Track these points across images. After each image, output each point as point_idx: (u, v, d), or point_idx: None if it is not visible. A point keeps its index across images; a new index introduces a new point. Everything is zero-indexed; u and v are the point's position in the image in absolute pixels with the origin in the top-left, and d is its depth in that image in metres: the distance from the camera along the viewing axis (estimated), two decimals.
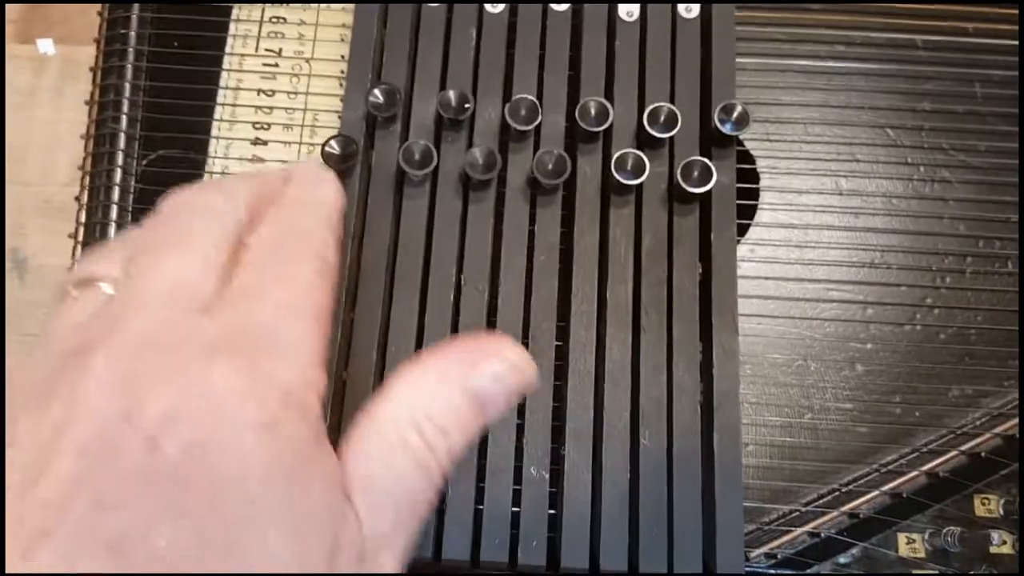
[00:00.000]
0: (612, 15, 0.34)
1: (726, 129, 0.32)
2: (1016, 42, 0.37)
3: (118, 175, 0.37)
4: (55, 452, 0.18)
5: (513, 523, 0.28)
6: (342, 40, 0.38)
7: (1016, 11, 0.37)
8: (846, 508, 0.32)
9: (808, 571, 0.32)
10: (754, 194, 0.36)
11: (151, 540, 0.18)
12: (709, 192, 0.31)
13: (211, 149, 0.37)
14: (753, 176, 0.36)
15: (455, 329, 0.30)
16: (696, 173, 0.31)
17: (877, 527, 0.32)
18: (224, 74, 0.38)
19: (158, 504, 0.18)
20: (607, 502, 0.28)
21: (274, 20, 0.38)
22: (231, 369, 0.20)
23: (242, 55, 0.38)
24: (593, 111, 0.32)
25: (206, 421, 0.19)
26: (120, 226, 0.36)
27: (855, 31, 0.38)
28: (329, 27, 0.38)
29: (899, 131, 0.37)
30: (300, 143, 0.36)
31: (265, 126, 0.37)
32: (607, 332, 0.30)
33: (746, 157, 0.36)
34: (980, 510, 0.32)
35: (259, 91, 0.37)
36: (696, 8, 0.34)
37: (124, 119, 0.37)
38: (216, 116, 0.37)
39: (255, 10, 0.38)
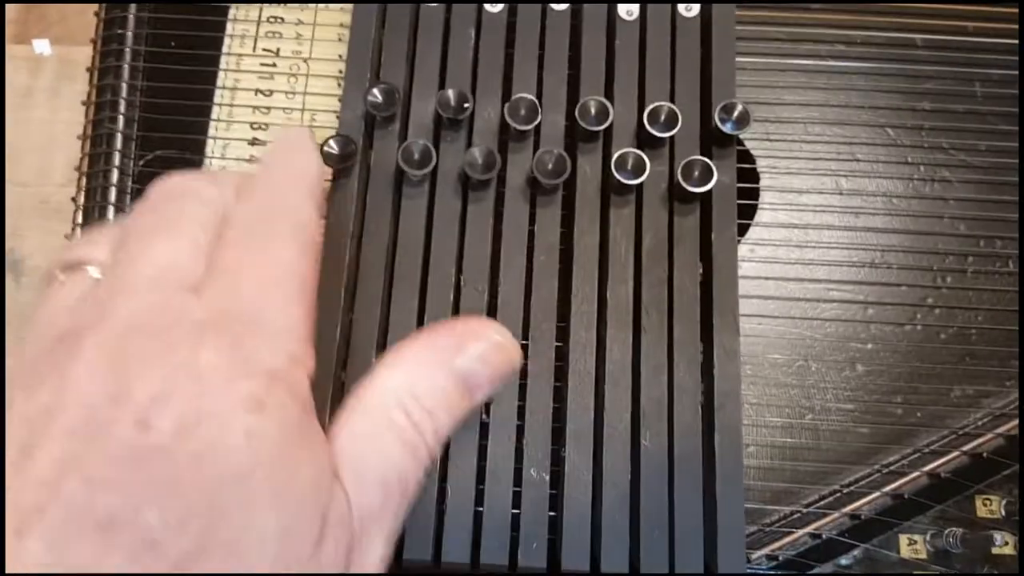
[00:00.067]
0: (612, 14, 0.34)
1: (727, 128, 0.31)
2: (1016, 41, 0.37)
3: (115, 176, 0.36)
4: (46, 435, 0.19)
5: (513, 525, 0.28)
6: (340, 40, 0.38)
7: (1016, 10, 0.37)
8: (847, 509, 0.32)
9: (810, 572, 0.32)
10: (754, 194, 0.36)
11: (141, 519, 0.18)
12: (710, 192, 0.31)
13: (208, 149, 0.36)
14: (753, 176, 0.36)
15: None
16: (697, 173, 0.31)
17: (878, 528, 0.32)
18: (221, 74, 0.37)
19: (148, 483, 0.18)
20: (608, 503, 0.28)
21: (272, 20, 0.38)
22: (218, 350, 0.20)
23: (239, 55, 0.38)
24: (593, 110, 0.31)
25: (195, 402, 0.19)
26: None
27: (855, 30, 0.38)
28: (327, 27, 0.38)
29: (899, 130, 0.37)
30: None
31: (263, 126, 0.37)
32: (607, 332, 0.30)
33: (746, 157, 0.36)
34: (982, 511, 0.32)
35: (257, 91, 0.37)
36: (696, 7, 0.34)
37: (121, 119, 0.37)
38: (213, 116, 0.37)
39: (252, 10, 0.38)
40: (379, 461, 0.22)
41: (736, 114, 0.31)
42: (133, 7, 0.38)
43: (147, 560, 0.17)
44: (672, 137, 0.32)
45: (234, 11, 0.38)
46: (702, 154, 0.31)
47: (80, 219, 0.36)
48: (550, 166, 0.31)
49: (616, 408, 0.29)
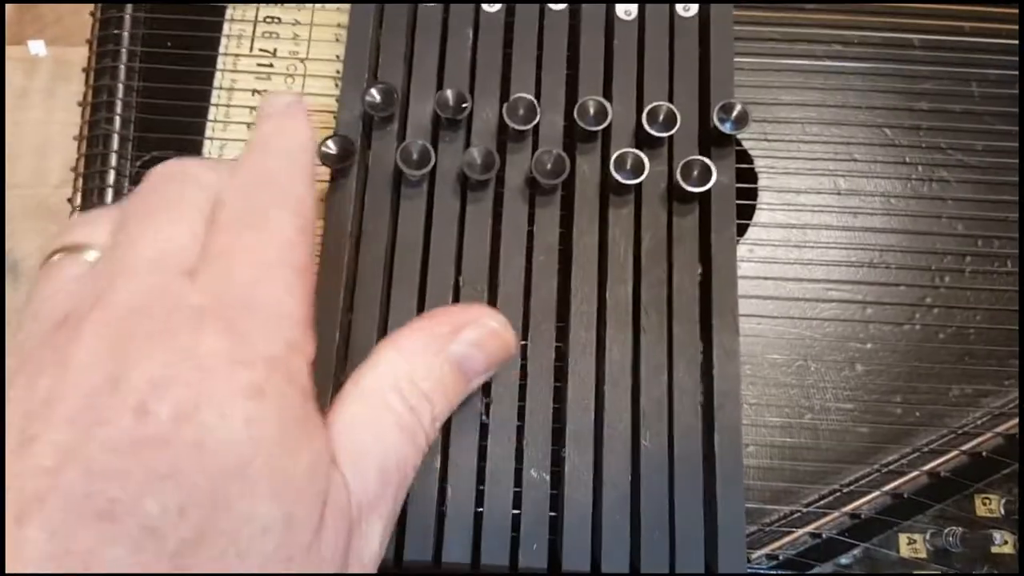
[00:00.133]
0: (610, 14, 0.34)
1: (725, 128, 0.31)
2: (1015, 41, 0.37)
3: (111, 177, 0.36)
4: (46, 421, 0.18)
5: (514, 526, 0.28)
6: (337, 40, 0.38)
7: (1015, 11, 0.38)
8: (847, 508, 0.32)
9: (809, 572, 0.32)
10: (752, 194, 0.36)
11: (141, 508, 0.18)
12: (708, 192, 0.31)
13: (205, 150, 0.36)
14: (751, 176, 0.36)
15: None
16: (696, 172, 0.31)
17: (878, 527, 0.32)
18: (218, 74, 0.37)
19: (147, 472, 0.18)
20: (608, 504, 0.28)
21: (268, 20, 0.38)
22: (217, 334, 0.20)
23: (236, 55, 0.38)
24: (592, 110, 0.31)
25: (194, 388, 0.19)
26: None
27: (852, 31, 0.38)
28: (324, 27, 0.38)
29: (897, 130, 0.37)
30: None
31: None
32: (607, 333, 0.30)
33: (744, 157, 0.36)
34: (981, 510, 0.32)
35: (254, 91, 0.37)
36: (694, 7, 0.34)
37: (117, 120, 0.37)
38: (210, 117, 0.37)
39: (249, 10, 0.38)
40: (377, 447, 0.22)
41: (735, 114, 0.31)
42: (129, 7, 0.38)
43: (147, 549, 0.17)
44: (671, 137, 0.32)
45: (231, 11, 0.38)
46: (701, 154, 0.31)
47: None
48: (549, 166, 0.31)
49: (616, 408, 0.29)
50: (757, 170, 0.36)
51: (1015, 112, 0.37)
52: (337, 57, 0.37)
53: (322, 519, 0.20)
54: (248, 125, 0.36)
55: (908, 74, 0.37)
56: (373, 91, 0.31)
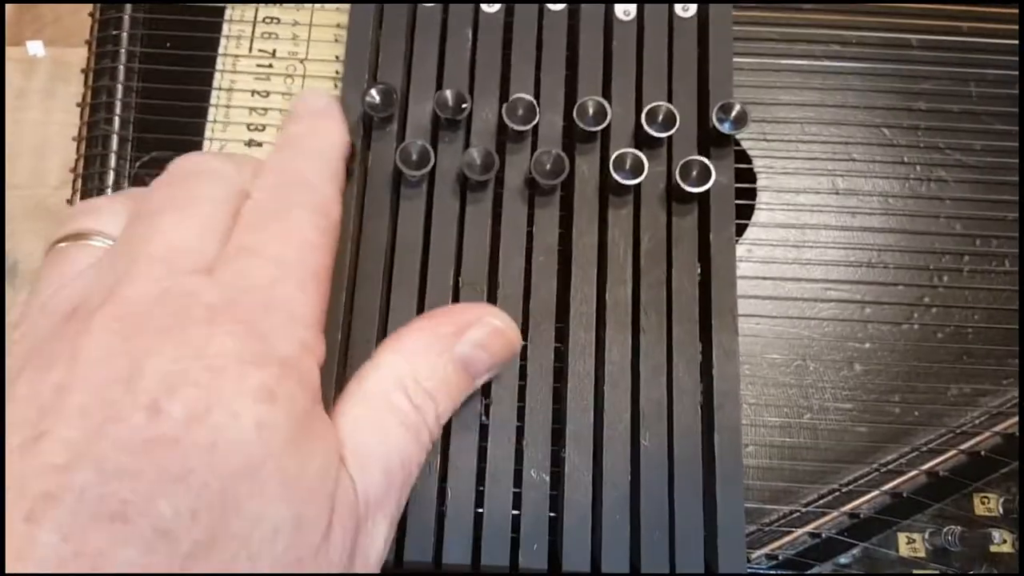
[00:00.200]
0: (609, 14, 0.34)
1: (724, 128, 0.31)
2: (1013, 41, 0.37)
3: (111, 178, 0.36)
4: (57, 414, 0.18)
5: (514, 527, 0.28)
6: (336, 41, 0.38)
7: (1013, 11, 0.38)
8: (846, 508, 0.32)
9: (809, 572, 0.32)
10: (751, 194, 0.36)
11: (154, 510, 0.17)
12: (708, 192, 0.31)
13: (205, 151, 0.36)
14: (750, 176, 0.36)
15: None
16: (695, 173, 0.31)
17: (877, 527, 0.32)
18: (217, 75, 0.37)
19: (160, 474, 0.18)
20: (608, 504, 0.28)
21: (268, 21, 0.38)
22: (230, 334, 0.20)
23: (236, 56, 0.38)
24: (591, 111, 0.31)
25: (205, 388, 0.19)
26: None
27: (851, 31, 0.38)
28: (323, 27, 0.38)
29: (895, 130, 0.37)
30: None
31: (260, 127, 0.36)
32: (606, 333, 0.30)
33: (743, 157, 0.36)
34: (980, 509, 0.32)
35: (253, 92, 0.37)
36: (693, 7, 0.34)
37: (116, 121, 0.37)
38: (210, 118, 0.37)
39: (248, 10, 0.38)
40: (382, 446, 0.22)
41: (734, 114, 0.31)
42: (128, 8, 0.38)
43: (160, 551, 0.17)
44: (670, 137, 0.32)
45: (230, 12, 0.38)
46: (700, 154, 0.31)
47: None
48: (548, 166, 0.31)
49: (616, 409, 0.29)
50: (756, 170, 0.36)
51: (1013, 112, 0.37)
52: (337, 58, 0.37)
53: (331, 521, 0.20)
54: (248, 126, 0.36)
55: (906, 74, 0.37)
56: (372, 92, 0.31)
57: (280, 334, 0.21)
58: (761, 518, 0.32)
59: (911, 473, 0.33)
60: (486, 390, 0.29)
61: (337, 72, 0.37)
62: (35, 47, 0.40)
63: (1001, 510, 0.32)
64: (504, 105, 0.31)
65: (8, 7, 0.40)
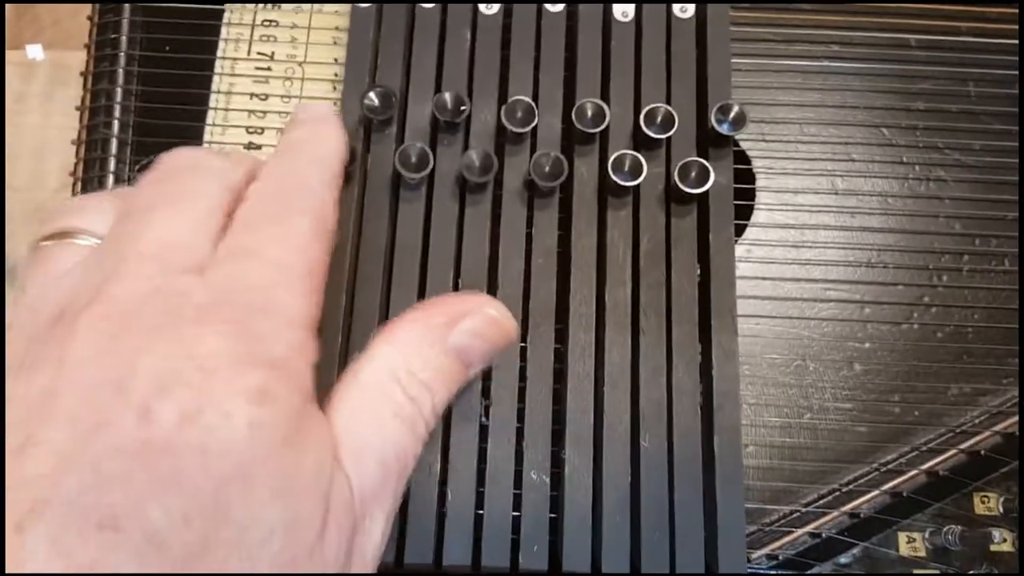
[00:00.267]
0: (607, 15, 0.34)
1: (723, 129, 0.31)
2: (1012, 41, 0.37)
3: (110, 181, 0.36)
4: (45, 422, 0.18)
5: (514, 528, 0.28)
6: (335, 43, 0.38)
7: (1012, 11, 0.38)
8: (846, 508, 0.32)
9: (809, 572, 0.32)
10: (750, 194, 0.36)
11: (145, 516, 0.17)
12: (707, 193, 0.31)
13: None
14: (749, 176, 0.36)
15: None
16: (693, 174, 0.31)
17: (877, 527, 0.32)
18: (216, 78, 0.37)
19: (151, 479, 0.18)
20: (608, 505, 0.28)
21: (266, 24, 0.38)
22: (222, 334, 0.20)
23: (234, 59, 0.38)
24: (590, 112, 0.31)
25: (196, 389, 0.19)
26: None
27: (850, 31, 0.38)
28: (322, 30, 0.38)
29: (894, 130, 0.37)
30: None
31: (258, 130, 0.37)
32: (606, 334, 0.30)
33: (742, 157, 0.36)
34: (980, 508, 0.32)
35: (252, 95, 0.37)
36: (691, 8, 0.34)
37: (116, 124, 0.37)
38: (209, 120, 0.37)
39: (247, 13, 0.38)
40: (377, 439, 0.22)
41: (732, 115, 0.31)
42: (127, 10, 0.38)
43: (152, 558, 0.17)
44: (669, 138, 0.32)
45: (228, 15, 0.38)
46: (698, 155, 0.31)
47: None
48: (547, 168, 0.31)
49: (615, 410, 0.29)
50: (755, 170, 0.36)
51: (1013, 111, 0.37)
52: (335, 60, 0.37)
53: (326, 520, 0.20)
54: (247, 128, 0.37)
55: (905, 74, 0.37)
56: (371, 95, 0.31)
57: (273, 335, 0.20)
58: (761, 518, 0.32)
59: (911, 473, 0.33)
60: (486, 391, 0.29)
61: (336, 74, 0.37)
62: (34, 51, 0.40)
63: (1001, 509, 0.32)
64: (503, 107, 0.31)
65: (7, 10, 0.40)
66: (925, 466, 0.33)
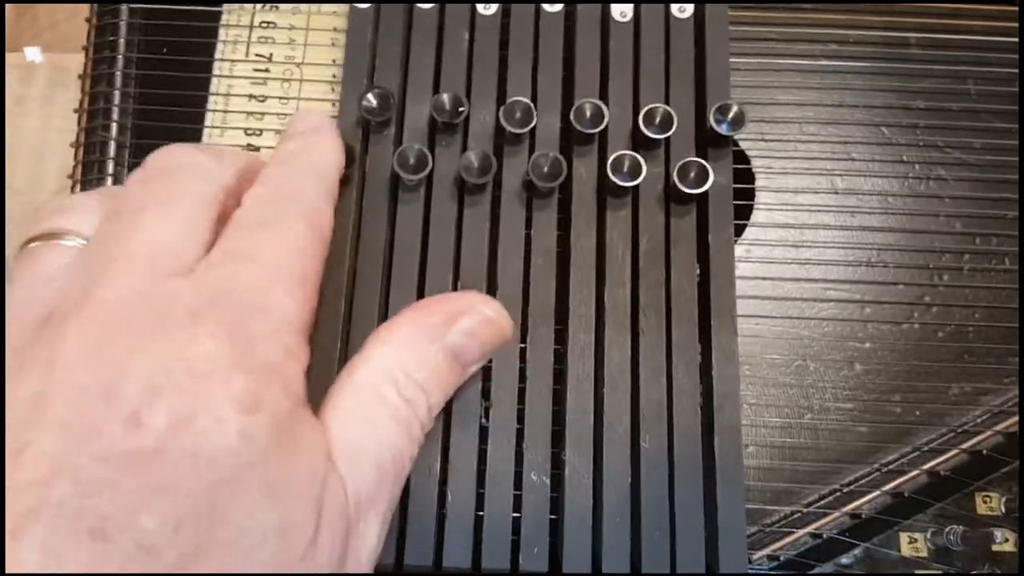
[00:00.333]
0: (605, 16, 0.34)
1: (722, 129, 0.31)
2: (1012, 39, 0.37)
3: (108, 183, 0.36)
4: (36, 428, 0.18)
5: (514, 529, 0.28)
6: (333, 44, 0.38)
7: (1013, 9, 0.38)
8: (847, 508, 0.32)
9: (810, 572, 0.32)
10: (750, 194, 0.36)
11: (136, 524, 0.17)
12: (706, 193, 0.31)
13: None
14: (748, 176, 0.36)
15: None
16: (693, 174, 0.31)
17: (879, 527, 0.32)
18: (215, 80, 0.37)
19: (141, 486, 0.17)
20: (608, 506, 0.28)
21: (264, 25, 0.38)
22: (213, 338, 0.19)
23: (232, 61, 0.38)
24: (588, 113, 0.31)
25: (188, 395, 0.18)
26: None
27: (849, 30, 0.38)
28: (320, 31, 0.38)
29: (894, 129, 0.37)
30: None
31: (257, 132, 0.36)
32: (606, 335, 0.30)
33: (741, 157, 0.36)
34: (982, 508, 0.32)
35: (250, 97, 0.37)
36: (689, 8, 0.34)
37: (114, 127, 0.37)
38: (207, 122, 0.37)
39: (245, 15, 0.38)
40: (373, 442, 0.22)
41: (731, 115, 0.31)
42: (125, 12, 0.38)
43: (143, 566, 0.17)
44: (668, 139, 0.32)
45: (226, 16, 0.38)
46: (698, 155, 0.31)
47: None
48: (546, 169, 0.31)
49: (615, 410, 0.29)
50: (754, 170, 0.36)
51: (1013, 110, 0.37)
52: (334, 61, 0.37)
53: (318, 524, 0.20)
54: (245, 130, 0.36)
55: (905, 73, 0.37)
56: (370, 96, 0.31)
57: (266, 338, 0.20)
58: (762, 519, 0.32)
59: (912, 473, 0.32)
60: (486, 392, 0.29)
61: (334, 76, 0.37)
62: (33, 53, 0.40)
63: (1003, 509, 0.32)
64: (501, 108, 0.31)
65: (5, 12, 0.40)
66: (926, 466, 0.33)
